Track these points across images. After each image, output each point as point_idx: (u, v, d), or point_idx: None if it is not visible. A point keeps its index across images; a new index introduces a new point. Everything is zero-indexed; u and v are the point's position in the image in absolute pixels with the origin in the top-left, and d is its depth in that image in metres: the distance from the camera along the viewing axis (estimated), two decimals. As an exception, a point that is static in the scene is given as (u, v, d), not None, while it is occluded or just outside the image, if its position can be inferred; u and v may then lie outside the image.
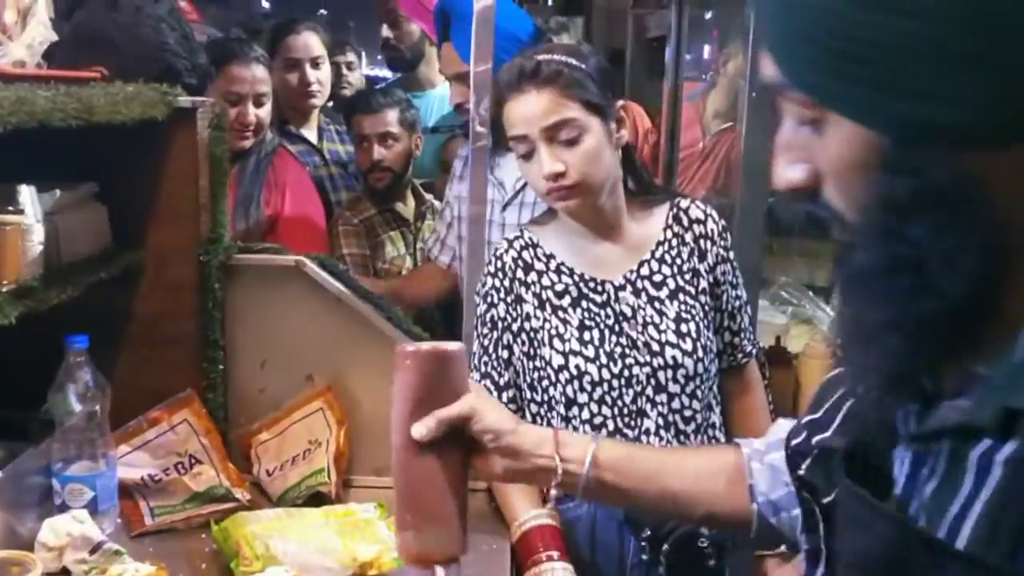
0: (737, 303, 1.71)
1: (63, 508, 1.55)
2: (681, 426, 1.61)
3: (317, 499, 1.71)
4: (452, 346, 1.18)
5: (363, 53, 3.94)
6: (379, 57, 4.03)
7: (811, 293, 2.64)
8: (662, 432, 1.60)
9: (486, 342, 1.66)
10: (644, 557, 1.57)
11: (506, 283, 1.64)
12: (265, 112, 2.43)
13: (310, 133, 2.87)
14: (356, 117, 2.66)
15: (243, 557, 1.43)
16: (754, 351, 1.75)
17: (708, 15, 3.73)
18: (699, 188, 2.98)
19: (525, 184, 2.26)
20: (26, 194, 1.44)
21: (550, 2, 9.05)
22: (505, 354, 1.65)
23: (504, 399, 1.63)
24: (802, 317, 2.59)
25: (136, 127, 1.53)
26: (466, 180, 2.38)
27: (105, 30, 1.65)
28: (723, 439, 1.67)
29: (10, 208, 1.41)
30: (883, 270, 0.70)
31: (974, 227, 0.67)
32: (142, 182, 1.72)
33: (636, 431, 1.59)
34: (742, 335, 1.72)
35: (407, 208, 2.73)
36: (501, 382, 1.65)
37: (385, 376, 1.84)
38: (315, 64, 2.80)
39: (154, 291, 1.75)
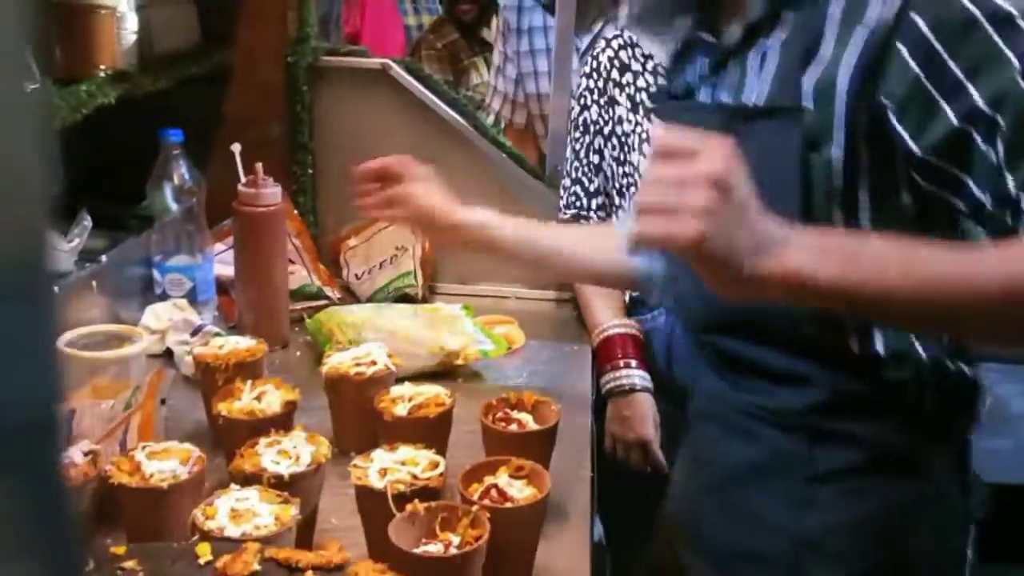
0: None
1: (164, 297, 1.62)
2: None
3: (405, 300, 1.75)
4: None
5: None
6: None
7: None
8: None
9: (577, 146, 1.63)
10: None
11: (600, 84, 1.60)
12: None
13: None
14: None
15: (336, 341, 1.48)
16: None
17: None
18: None
19: (605, 23, 2.20)
20: (119, -17, 1.45)
21: None
22: (596, 159, 1.62)
23: (593, 205, 1.62)
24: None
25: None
26: (525, 34, 2.34)
27: None
28: None
29: (105, -5, 1.42)
30: None
31: None
32: (230, -21, 1.71)
33: None
34: None
35: (492, 31, 2.68)
36: (591, 188, 1.63)
37: (471, 183, 1.87)
38: None
39: (243, 92, 1.77)
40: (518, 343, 1.64)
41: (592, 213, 1.63)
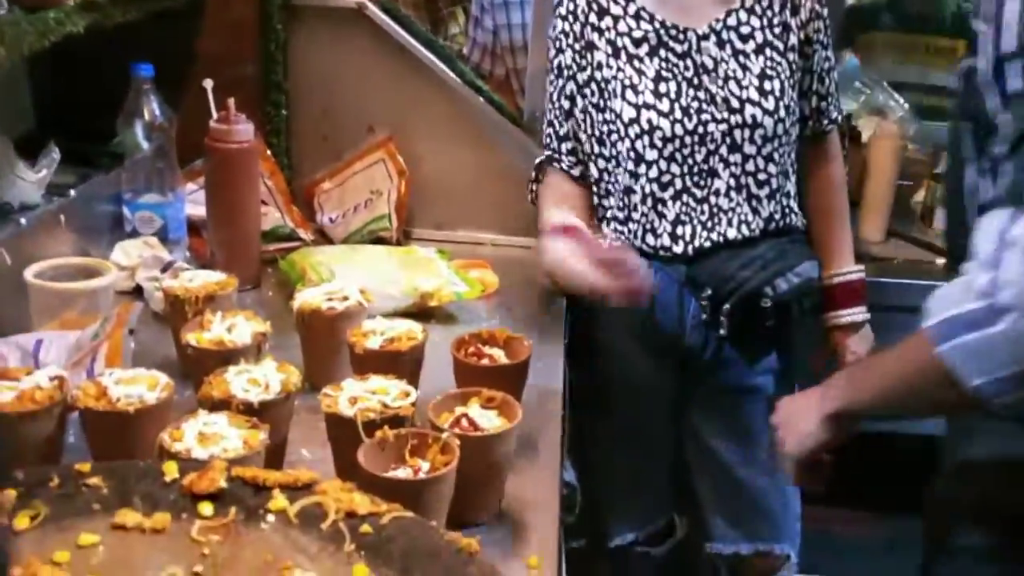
0: (827, 65, 1.60)
1: (134, 234, 1.60)
2: (754, 189, 1.55)
3: (379, 243, 1.74)
4: None
5: None
6: None
7: (885, 84, 2.54)
8: (732, 193, 1.54)
9: (551, 89, 1.61)
10: (704, 317, 1.54)
11: (576, 28, 1.55)
12: None
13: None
14: None
15: (308, 280, 1.47)
16: (839, 118, 1.67)
17: None
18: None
19: None
20: (89, -89, 1.41)
21: None
22: (567, 104, 1.58)
23: (563, 149, 1.60)
24: (873, 106, 2.50)
25: None
26: None
27: None
28: (796, 210, 1.62)
29: (73, -78, 1.38)
30: None
31: None
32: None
33: (706, 190, 1.53)
34: (829, 100, 1.63)
35: None
36: (561, 132, 1.60)
37: (448, 128, 1.85)
38: None
39: (216, 29, 1.74)
40: (492, 287, 1.63)
41: (563, 156, 1.60)
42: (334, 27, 1.77)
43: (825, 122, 1.63)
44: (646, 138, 1.51)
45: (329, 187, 1.84)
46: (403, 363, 1.14)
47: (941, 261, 2.09)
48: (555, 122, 1.61)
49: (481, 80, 2.52)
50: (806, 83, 1.59)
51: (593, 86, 1.55)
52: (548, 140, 1.61)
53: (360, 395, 1.01)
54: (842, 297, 1.68)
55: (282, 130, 1.80)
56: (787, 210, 1.59)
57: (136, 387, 1.01)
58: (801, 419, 1.21)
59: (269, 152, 1.76)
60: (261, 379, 1.03)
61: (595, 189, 1.60)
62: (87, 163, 1.64)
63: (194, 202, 1.71)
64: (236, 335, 1.15)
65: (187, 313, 1.24)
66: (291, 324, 1.30)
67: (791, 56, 1.54)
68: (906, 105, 2.49)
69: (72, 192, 1.50)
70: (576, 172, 1.60)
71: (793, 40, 1.54)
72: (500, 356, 1.19)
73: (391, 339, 1.17)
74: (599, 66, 1.54)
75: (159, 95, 1.60)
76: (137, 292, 1.52)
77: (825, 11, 1.58)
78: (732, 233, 1.54)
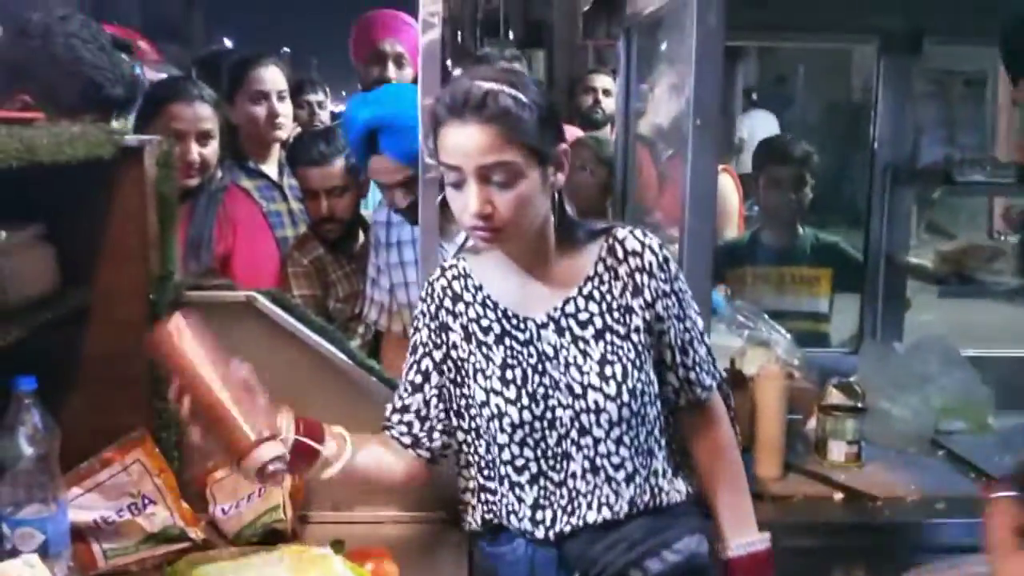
0: (688, 336, 1.61)
1: (14, 553, 1.53)
2: (610, 472, 1.54)
3: (273, 536, 1.70)
4: None
5: (328, 91, 4.00)
6: (343, 93, 4.11)
7: (766, 316, 2.67)
8: (589, 476, 1.54)
9: (405, 363, 1.65)
10: None
11: (431, 309, 1.62)
12: (211, 150, 2.44)
13: (270, 168, 2.87)
14: (302, 169, 2.63)
15: (195, 597, 1.42)
16: (714, 383, 1.66)
17: (663, 46, 3.79)
18: (665, 219, 3.02)
19: (467, 237, 2.29)
20: (-30, 236, 1.44)
21: (511, 35, 9.17)
22: (418, 379, 1.62)
23: (395, 420, 1.64)
24: (758, 339, 2.61)
25: (82, 166, 1.53)
26: (395, 247, 2.42)
27: (19, 58, 1.65)
28: (667, 487, 1.59)
29: (-46, 251, 1.40)
30: None
31: None
32: (90, 221, 1.71)
33: (562, 474, 1.54)
34: (698, 369, 1.62)
35: (358, 244, 2.72)
36: (398, 404, 1.64)
37: (342, 409, 1.86)
38: (280, 97, 2.83)
39: (104, 331, 1.74)
40: (390, 578, 1.59)
41: (395, 426, 1.64)
42: (224, 320, 1.78)
43: (698, 391, 1.63)
44: (496, 422, 1.55)
45: (222, 476, 1.81)
46: None
47: (838, 496, 2.14)
48: (398, 397, 1.65)
49: (378, 338, 2.60)
50: (668, 358, 1.60)
51: (450, 363, 1.61)
52: (386, 411, 1.66)
53: None
54: (741, 572, 1.62)
55: (171, 424, 1.78)
56: (655, 489, 1.57)
57: None
58: None
59: (157, 449, 1.73)
60: None
61: (458, 460, 1.64)
62: (-37, 479, 1.59)
63: (78, 507, 1.66)
64: None
65: (61, 658, 1.18)
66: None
67: (636, 338, 1.55)
68: (788, 335, 2.61)
69: (-55, 519, 1.44)
70: (407, 441, 1.63)
71: (637, 322, 1.55)
72: None
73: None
74: (454, 346, 1.60)
75: (41, 405, 1.58)
76: (13, 621, 1.44)
77: (678, 284, 1.59)
78: (592, 516, 1.53)
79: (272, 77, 2.82)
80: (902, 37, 2.80)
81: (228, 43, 10.19)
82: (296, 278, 2.57)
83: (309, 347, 1.81)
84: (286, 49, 9.26)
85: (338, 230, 2.62)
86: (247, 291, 1.80)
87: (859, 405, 2.30)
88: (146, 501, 1.68)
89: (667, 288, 1.58)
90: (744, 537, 1.64)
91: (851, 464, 2.27)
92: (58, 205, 1.66)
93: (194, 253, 2.36)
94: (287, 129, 2.89)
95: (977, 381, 2.53)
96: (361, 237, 2.72)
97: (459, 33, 9.58)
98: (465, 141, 1.44)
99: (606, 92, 3.96)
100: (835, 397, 2.31)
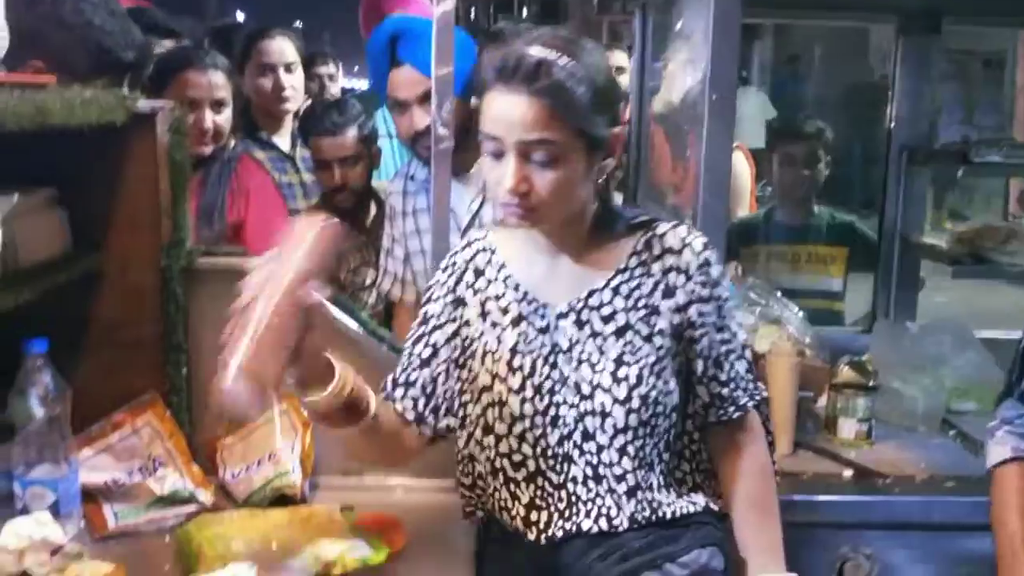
0: (725, 348, 1.47)
1: (25, 511, 1.55)
2: (612, 483, 1.42)
3: (283, 501, 1.71)
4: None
5: (340, 64, 3.99)
6: (355, 68, 4.11)
7: (778, 294, 2.66)
8: (591, 484, 1.43)
9: (411, 334, 1.56)
10: None
11: (450, 281, 1.53)
12: (224, 119, 2.43)
13: (282, 140, 2.87)
14: (315, 139, 2.62)
15: (204, 558, 1.43)
16: (750, 403, 1.50)
17: (678, 24, 3.76)
18: (679, 199, 3.00)
19: (482, 204, 2.28)
20: (-17, 198, 1.44)
21: (524, 11, 9.11)
22: (426, 353, 1.52)
23: (397, 395, 1.53)
24: (770, 317, 2.60)
25: (95, 132, 1.53)
26: (411, 215, 2.41)
27: (29, 24, 1.64)
28: (675, 504, 1.45)
29: (-34, 212, 1.41)
30: None
31: None
32: (102, 187, 1.72)
33: (562, 476, 1.43)
34: (732, 386, 1.47)
35: (369, 216, 2.72)
36: (402, 378, 1.53)
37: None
38: (289, 69, 2.82)
39: (115, 296, 1.75)
40: (399, 544, 1.60)
41: (396, 402, 1.54)
42: (235, 286, 1.78)
43: (731, 409, 1.49)
44: (496, 410, 1.45)
45: (232, 441, 1.82)
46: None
47: (848, 473, 2.13)
48: (404, 370, 1.55)
49: (389, 308, 2.60)
50: (699, 369, 1.47)
51: (457, 340, 1.51)
52: (385, 383, 1.56)
53: None
54: None
55: (182, 389, 1.79)
56: (655, 504, 1.44)
57: None
58: None
59: (168, 413, 1.74)
60: None
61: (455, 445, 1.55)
62: (-24, 439, 1.60)
63: (90, 468, 1.68)
64: (120, 643, 1.10)
65: (71, 614, 1.19)
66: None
67: (659, 341, 1.43)
68: (800, 313, 2.60)
69: (-44, 478, 1.46)
70: (410, 416, 1.54)
71: (662, 324, 1.43)
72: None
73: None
74: (467, 323, 1.50)
75: (53, 367, 1.59)
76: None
77: (719, 291, 1.46)
78: (588, 525, 1.42)
79: (280, 49, 2.81)
80: (921, 16, 2.77)
81: (241, 16, 10.16)
82: None
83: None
84: (298, 23, 9.22)
85: (351, 200, 2.62)
86: (259, 258, 1.79)
87: (871, 383, 2.29)
88: (156, 464, 1.70)
89: (705, 293, 1.45)
90: (772, 572, 1.48)
91: (861, 442, 2.26)
92: (70, 170, 1.67)
93: (206, 222, 2.35)
94: (296, 101, 2.88)
95: (990, 362, 2.51)
96: (373, 209, 2.72)
97: (472, 9, 9.53)
98: (510, 112, 1.33)
99: (620, 70, 3.93)
100: (847, 375, 2.30)
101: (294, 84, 2.83)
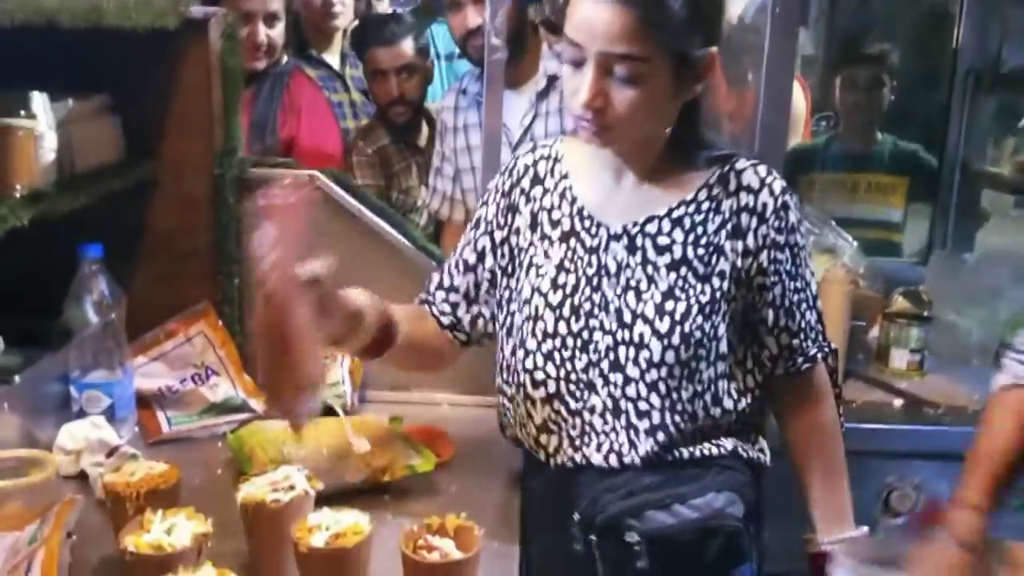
0: (797, 297, 1.38)
1: (81, 415, 1.58)
2: (632, 418, 1.34)
3: (333, 413, 1.72)
4: None
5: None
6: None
7: (833, 223, 2.60)
8: (608, 416, 1.35)
9: (463, 239, 1.50)
10: (578, 548, 1.34)
11: (506, 186, 1.46)
12: (277, 33, 2.41)
13: (332, 58, 2.84)
14: (371, 50, 2.58)
15: (256, 461, 1.45)
16: (819, 355, 1.42)
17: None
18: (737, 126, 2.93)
19: (533, 119, 2.24)
20: (39, 101, 1.44)
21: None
22: (471, 258, 1.47)
23: (438, 299, 1.49)
24: (823, 246, 2.56)
25: (147, 37, 1.52)
26: (462, 131, 2.38)
27: None
28: (683, 451, 1.35)
29: (23, 113, 1.41)
30: None
31: None
32: (155, 94, 1.71)
33: (581, 403, 1.36)
34: (802, 336, 1.39)
35: (421, 136, 2.70)
36: (446, 282, 1.49)
37: (400, 292, 1.86)
38: None
39: (169, 204, 1.75)
40: (446, 455, 1.61)
41: (435, 304, 1.50)
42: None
43: (800, 360, 1.41)
44: (530, 324, 1.38)
45: (282, 352, 1.83)
46: (349, 562, 1.12)
47: (898, 403, 2.11)
48: (447, 272, 1.50)
49: (439, 229, 2.59)
50: (769, 318, 1.38)
51: (506, 248, 1.45)
52: (427, 284, 1.53)
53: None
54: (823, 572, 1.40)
55: (235, 299, 1.80)
56: (677, 446, 1.35)
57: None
58: None
59: (220, 322, 1.75)
60: (198, 590, 1.00)
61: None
62: (34, 342, 1.63)
63: (144, 375, 1.70)
64: (176, 537, 1.12)
65: (128, 509, 1.22)
66: (238, 513, 1.27)
67: (717, 283, 1.34)
68: (855, 243, 2.55)
69: (16, 378, 1.49)
70: (446, 321, 1.49)
71: (724, 266, 1.34)
72: (451, 548, 1.16)
73: (336, 534, 1.15)
74: (517, 231, 1.44)
75: (108, 273, 1.60)
76: (83, 476, 1.49)
77: (795, 237, 1.36)
78: (598, 459, 1.35)
79: None
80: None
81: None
82: (360, 167, 2.56)
83: (369, 227, 1.80)
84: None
85: (407, 113, 2.59)
86: (310, 170, 1.79)
87: (925, 314, 2.25)
88: (209, 372, 1.72)
89: (780, 239, 1.35)
90: (838, 532, 1.42)
91: (913, 373, 2.23)
92: (124, 77, 1.66)
93: (258, 136, 2.35)
94: (345, 18, 2.83)
95: (1049, 296, 2.45)
96: (425, 129, 2.70)
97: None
98: (595, 18, 1.22)
99: None
100: (900, 305, 2.26)
101: (344, 0, 2.78)
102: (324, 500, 1.25)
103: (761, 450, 1.46)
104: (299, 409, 1.22)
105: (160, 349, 1.72)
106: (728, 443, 1.39)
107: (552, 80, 2.26)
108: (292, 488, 1.24)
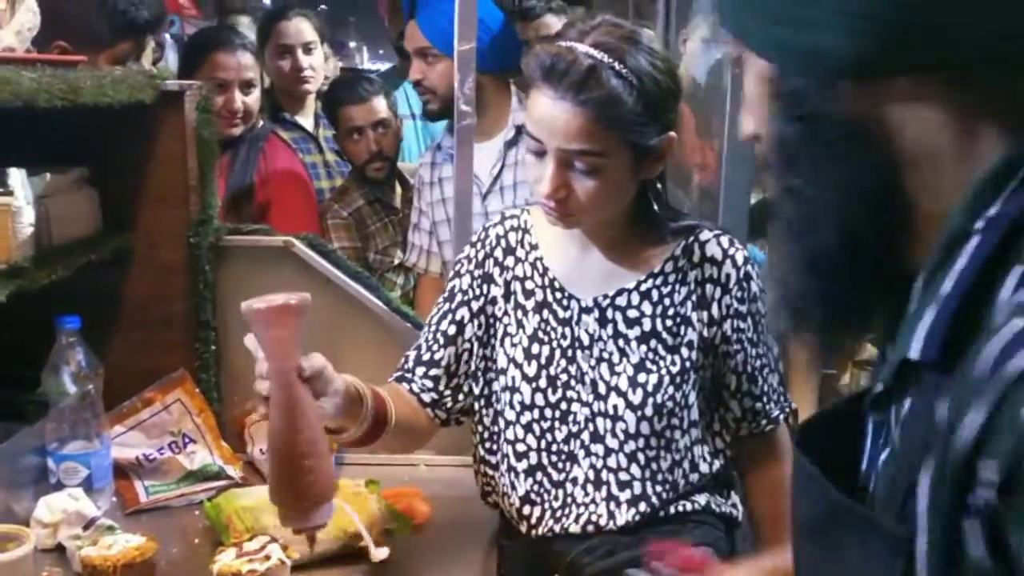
0: (760, 362, 1.42)
1: (59, 486, 1.58)
2: (614, 489, 1.38)
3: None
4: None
5: (364, 47, 3.99)
6: (380, 52, 4.11)
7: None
8: (590, 488, 1.39)
9: (435, 312, 1.51)
10: None
11: (479, 256, 1.49)
12: (253, 99, 2.45)
13: (306, 120, 2.88)
14: (344, 109, 2.63)
15: (233, 530, 1.46)
16: (781, 416, 1.46)
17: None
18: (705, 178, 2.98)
19: (502, 169, 2.28)
20: (16, 177, 1.46)
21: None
22: (451, 330, 1.48)
23: (423, 373, 1.48)
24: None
25: (124, 110, 1.55)
26: (437, 184, 2.43)
27: (48, 5, 1.65)
28: (660, 512, 1.38)
29: (0, 190, 1.43)
30: (779, 207, 0.70)
31: (858, 163, 0.66)
32: (131, 165, 1.74)
33: (563, 474, 1.40)
34: (765, 399, 1.43)
35: (396, 196, 2.74)
36: (426, 356, 1.49)
37: (376, 355, 1.89)
38: (307, 50, 2.82)
39: (145, 273, 1.78)
40: (423, 517, 1.62)
41: (415, 381, 1.49)
42: (262, 264, 1.82)
43: (763, 422, 1.45)
44: (508, 395, 1.42)
45: (258, 418, 1.84)
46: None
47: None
48: (423, 345, 1.50)
49: (413, 288, 2.62)
50: (732, 384, 1.43)
51: (483, 318, 1.48)
52: (404, 362, 1.52)
53: None
54: None
55: (211, 365, 1.82)
56: (654, 512, 1.39)
57: None
58: None
59: (197, 389, 1.77)
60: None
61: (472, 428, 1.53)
62: (11, 414, 1.64)
63: (121, 444, 1.71)
64: (153, 612, 1.13)
65: (105, 583, 1.22)
66: (216, 580, 1.27)
67: (685, 353, 1.38)
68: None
69: (-6, 451, 1.49)
70: (427, 398, 1.49)
71: (691, 336, 1.39)
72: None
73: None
74: (493, 300, 1.47)
75: (85, 344, 1.62)
76: (60, 550, 1.49)
77: (756, 306, 1.41)
78: (575, 529, 1.39)
79: (297, 30, 2.81)
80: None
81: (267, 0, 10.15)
82: (336, 229, 2.59)
83: (345, 292, 1.83)
84: (323, 7, 9.23)
85: (386, 168, 2.64)
86: (285, 236, 1.82)
87: (895, 361, 2.28)
88: (186, 440, 1.73)
89: (743, 309, 1.40)
90: None
91: (885, 420, 2.26)
92: (101, 149, 1.70)
93: (235, 201, 2.38)
94: (316, 81, 2.88)
95: None
96: (399, 189, 2.74)
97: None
98: (554, 118, 1.27)
99: None
100: (871, 352, 2.30)
101: (313, 64, 2.83)
102: (300, 568, 1.26)
103: (734, 505, 1.49)
104: (316, 523, 1.21)
105: (137, 418, 1.73)
106: (702, 499, 1.44)
107: (520, 130, 2.32)
108: (268, 559, 1.25)
